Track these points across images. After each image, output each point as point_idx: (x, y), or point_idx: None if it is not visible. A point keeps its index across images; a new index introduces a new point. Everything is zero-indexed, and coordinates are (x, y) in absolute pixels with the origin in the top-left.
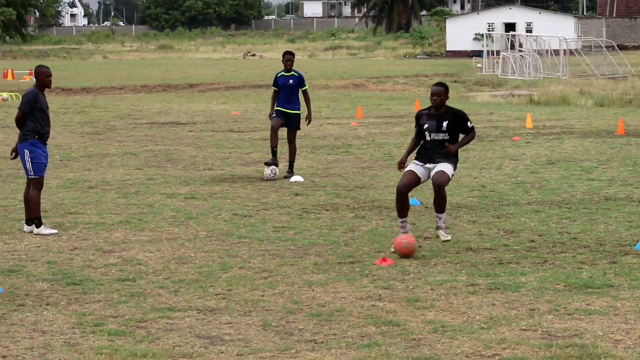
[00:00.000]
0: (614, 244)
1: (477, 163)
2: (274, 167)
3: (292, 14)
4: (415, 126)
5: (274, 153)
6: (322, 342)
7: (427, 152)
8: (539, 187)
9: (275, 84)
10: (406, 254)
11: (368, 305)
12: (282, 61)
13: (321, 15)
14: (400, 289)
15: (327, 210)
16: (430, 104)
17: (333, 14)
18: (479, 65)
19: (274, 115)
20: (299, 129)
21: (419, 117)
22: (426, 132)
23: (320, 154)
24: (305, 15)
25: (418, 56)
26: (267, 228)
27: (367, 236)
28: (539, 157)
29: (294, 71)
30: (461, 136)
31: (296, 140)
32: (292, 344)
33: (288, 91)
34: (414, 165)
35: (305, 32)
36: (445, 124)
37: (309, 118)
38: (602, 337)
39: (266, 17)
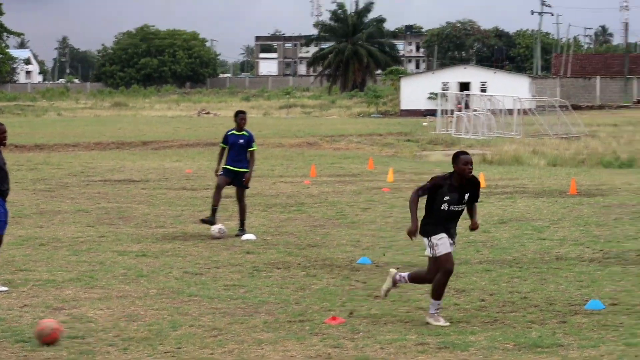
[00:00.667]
0: (564, 303)
1: None
2: (221, 227)
3: (247, 72)
4: (427, 189)
5: (214, 211)
6: None
7: (447, 224)
8: (491, 246)
9: (225, 141)
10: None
11: None
12: (235, 120)
13: (276, 74)
14: (349, 348)
15: (278, 269)
16: (460, 175)
17: (288, 73)
18: (424, 124)
19: (221, 172)
20: (248, 187)
21: (439, 186)
22: (445, 204)
23: (272, 212)
24: (260, 74)
25: (372, 115)
26: (217, 286)
27: (318, 295)
28: (491, 216)
29: (245, 130)
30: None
31: (248, 198)
32: None
33: (237, 150)
34: (449, 244)
35: (260, 91)
36: (467, 196)
37: (248, 178)
38: None
39: (221, 75)
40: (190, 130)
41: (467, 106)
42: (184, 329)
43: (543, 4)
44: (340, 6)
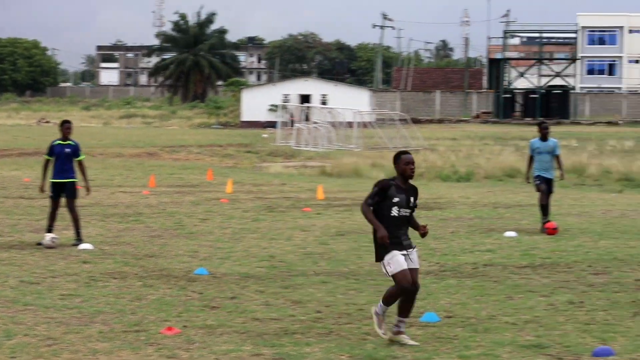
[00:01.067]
0: None
1: (267, 233)
2: (54, 236)
3: (88, 81)
4: (376, 194)
5: (50, 230)
6: None
7: (399, 233)
8: (328, 258)
9: (51, 152)
10: None
11: None
12: (61, 129)
13: (117, 84)
14: (184, 358)
15: (115, 279)
16: (402, 175)
17: (129, 83)
18: (264, 135)
19: (50, 194)
20: (76, 197)
21: (387, 187)
22: (395, 207)
23: (110, 222)
24: (101, 83)
25: (213, 126)
26: (53, 295)
27: (154, 305)
28: (329, 228)
29: (71, 140)
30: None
31: (86, 207)
32: None
33: (63, 159)
34: (402, 258)
35: (101, 100)
36: (412, 199)
37: (87, 188)
38: None
39: (62, 84)
40: (29, 139)
41: (307, 118)
42: (18, 338)
43: (385, 18)
44: (182, 17)
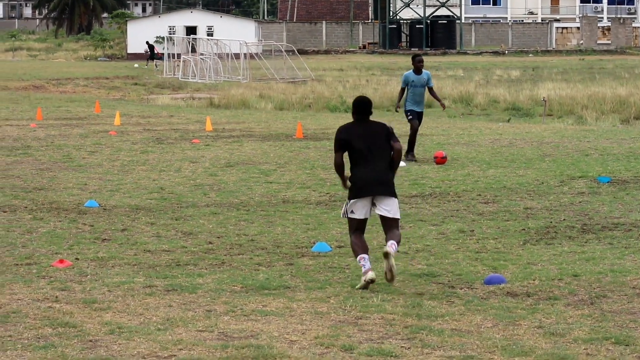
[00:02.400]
0: (290, 245)
1: (157, 165)
2: None
3: None
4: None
5: None
6: None
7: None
8: (218, 189)
9: None
10: None
11: (45, 307)
12: None
13: (1, 17)
14: (77, 291)
15: (4, 212)
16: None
17: (14, 15)
18: (135, 65)
19: None
20: None
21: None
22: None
23: None
24: None
25: (99, 59)
26: None
27: (45, 238)
28: (218, 159)
29: None
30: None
31: None
32: None
33: None
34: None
35: None
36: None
37: None
38: (278, 337)
39: None
40: None
41: (193, 50)
42: None
43: None
44: None
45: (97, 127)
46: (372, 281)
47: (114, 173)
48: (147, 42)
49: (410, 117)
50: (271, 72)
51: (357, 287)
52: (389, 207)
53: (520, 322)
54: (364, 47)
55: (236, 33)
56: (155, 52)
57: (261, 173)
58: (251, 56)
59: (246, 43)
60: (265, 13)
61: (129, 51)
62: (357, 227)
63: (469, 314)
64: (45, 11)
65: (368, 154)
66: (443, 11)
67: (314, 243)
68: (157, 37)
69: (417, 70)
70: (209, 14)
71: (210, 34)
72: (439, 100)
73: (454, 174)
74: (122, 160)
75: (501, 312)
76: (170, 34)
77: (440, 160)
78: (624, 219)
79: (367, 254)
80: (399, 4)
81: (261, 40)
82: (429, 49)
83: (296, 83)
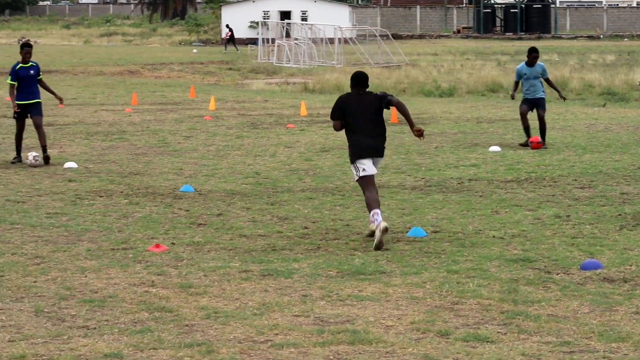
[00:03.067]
0: None
1: (252, 150)
2: (35, 154)
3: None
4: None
5: (19, 152)
6: (95, 328)
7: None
8: (313, 174)
9: (15, 77)
10: None
11: (141, 292)
12: (21, 53)
13: (97, 2)
14: (173, 275)
15: (100, 197)
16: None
17: (109, 1)
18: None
19: (16, 116)
20: (42, 114)
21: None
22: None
23: (94, 140)
24: (80, 2)
25: (194, 44)
26: (40, 214)
27: (141, 222)
28: (313, 144)
29: (32, 62)
30: None
31: (69, 126)
32: (65, 330)
33: (29, 82)
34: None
35: (80, 19)
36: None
37: (60, 99)
38: (374, 322)
39: (41, 3)
40: (10, 58)
41: (287, 35)
42: (6, 257)
43: None
44: None
45: (192, 112)
46: (386, 230)
47: (209, 158)
48: (227, 25)
49: (521, 103)
50: (365, 56)
51: (365, 233)
52: (378, 165)
53: (617, 307)
54: (458, 31)
55: (330, 18)
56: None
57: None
58: (345, 41)
59: (340, 28)
60: None
61: (223, 36)
62: (369, 182)
63: (566, 299)
64: None
65: (362, 122)
66: None
67: (410, 228)
68: (251, 21)
69: (530, 62)
70: None
71: (304, 19)
72: (558, 91)
73: (549, 159)
74: (217, 145)
75: (598, 298)
76: (264, 18)
77: (536, 145)
78: None
79: (380, 208)
80: None
81: (355, 25)
82: (523, 33)
83: (390, 68)
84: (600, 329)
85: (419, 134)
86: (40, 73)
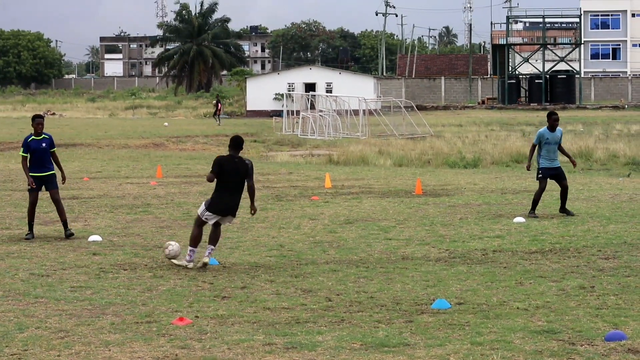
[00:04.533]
0: (410, 302)
1: (276, 222)
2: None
3: (92, 73)
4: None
5: (31, 227)
6: None
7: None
8: (337, 246)
9: (27, 149)
10: None
11: None
12: (33, 125)
13: (122, 75)
14: (197, 349)
15: (125, 270)
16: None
17: (134, 73)
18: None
19: (34, 186)
20: (57, 187)
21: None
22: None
23: (119, 214)
24: (106, 74)
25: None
26: (64, 288)
27: (165, 295)
28: (338, 216)
29: (44, 134)
30: None
31: (94, 199)
32: None
33: (41, 154)
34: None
35: (105, 92)
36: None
37: (63, 177)
38: None
39: (67, 76)
40: None
41: (312, 107)
42: (30, 331)
43: (387, 5)
44: (184, 7)
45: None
46: (204, 265)
47: (233, 230)
48: (218, 95)
49: (541, 176)
50: (390, 128)
51: (178, 263)
52: (229, 223)
53: None
54: (483, 102)
55: (355, 89)
56: (218, 107)
57: (380, 230)
58: (370, 112)
59: (365, 99)
60: (384, 69)
61: (248, 108)
62: (202, 225)
63: None
64: (165, 69)
65: (230, 185)
66: (562, 66)
67: (434, 300)
68: (276, 93)
69: (552, 127)
70: (328, 70)
71: (329, 91)
72: (569, 157)
73: (574, 230)
74: (241, 218)
75: None
76: (289, 90)
77: None
78: None
79: (196, 247)
80: (518, 59)
81: (380, 96)
82: (548, 103)
83: (415, 139)
84: None
85: (254, 212)
86: (54, 146)
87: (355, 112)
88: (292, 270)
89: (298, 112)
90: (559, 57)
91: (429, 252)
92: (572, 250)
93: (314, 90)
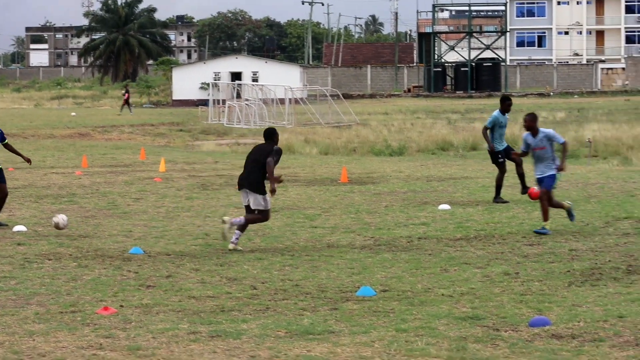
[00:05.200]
0: (335, 290)
1: (201, 211)
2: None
3: (18, 63)
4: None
5: None
6: None
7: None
8: (262, 234)
9: None
10: None
11: (89, 355)
12: None
13: (48, 65)
14: (121, 338)
15: (49, 260)
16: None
17: (60, 64)
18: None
19: None
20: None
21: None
22: None
23: (44, 204)
24: (31, 65)
25: (144, 105)
26: None
27: (90, 285)
28: None
29: None
30: None
31: (19, 189)
32: None
33: None
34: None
35: (31, 82)
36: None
37: (28, 160)
38: None
39: None
40: None
41: (238, 96)
42: None
43: None
44: None
45: (142, 174)
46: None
47: (158, 219)
48: (126, 86)
49: (502, 160)
50: (316, 116)
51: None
52: (252, 200)
53: None
54: (409, 90)
55: (281, 78)
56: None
57: (306, 218)
58: (296, 101)
59: (291, 88)
60: (311, 58)
61: (174, 97)
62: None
63: (514, 356)
64: (91, 59)
65: (247, 163)
66: (488, 54)
67: (359, 287)
68: (202, 83)
69: (505, 110)
70: (254, 59)
71: (255, 80)
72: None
73: (498, 217)
74: (167, 207)
75: (546, 355)
76: (215, 79)
77: (535, 195)
78: None
79: (242, 231)
80: (444, 47)
81: (306, 85)
82: (473, 91)
83: (341, 127)
84: None
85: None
86: (4, 138)
87: (282, 101)
88: (218, 258)
89: (224, 101)
90: (484, 45)
91: (354, 240)
92: (497, 237)
93: (240, 80)
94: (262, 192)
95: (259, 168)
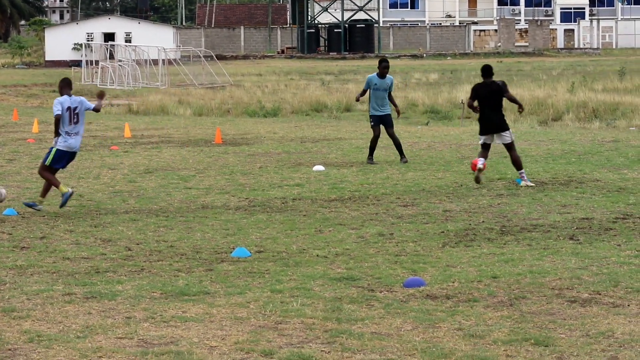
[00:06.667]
0: (210, 251)
1: (75, 172)
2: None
3: None
4: None
5: None
6: None
7: None
8: (137, 196)
9: None
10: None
11: None
12: None
13: None
14: None
15: None
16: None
17: None
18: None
19: None
20: None
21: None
22: None
23: None
24: None
25: (17, 66)
26: None
27: None
28: (137, 166)
29: None
30: None
31: None
32: None
33: None
34: None
35: None
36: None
37: None
38: (198, 343)
39: None
40: None
41: (111, 57)
42: None
43: None
44: None
45: (15, 135)
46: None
47: (32, 181)
48: None
49: (373, 123)
50: (190, 77)
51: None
52: (504, 139)
53: (439, 324)
54: (283, 52)
55: (154, 39)
56: None
57: (180, 179)
58: (169, 62)
59: (164, 49)
60: (184, 19)
61: (47, 58)
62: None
63: (389, 317)
64: None
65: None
66: (361, 15)
67: (234, 248)
68: (74, 44)
69: (382, 74)
70: (127, 20)
71: (128, 41)
72: (395, 106)
73: (373, 178)
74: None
75: (421, 315)
76: (88, 40)
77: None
78: (542, 220)
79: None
80: (317, 9)
81: (179, 46)
82: (347, 52)
83: (215, 89)
84: (423, 346)
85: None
86: None
87: (155, 62)
88: (92, 220)
89: (97, 62)
90: (357, 6)
91: (229, 201)
92: (371, 198)
93: (113, 40)
94: None
95: (499, 108)
